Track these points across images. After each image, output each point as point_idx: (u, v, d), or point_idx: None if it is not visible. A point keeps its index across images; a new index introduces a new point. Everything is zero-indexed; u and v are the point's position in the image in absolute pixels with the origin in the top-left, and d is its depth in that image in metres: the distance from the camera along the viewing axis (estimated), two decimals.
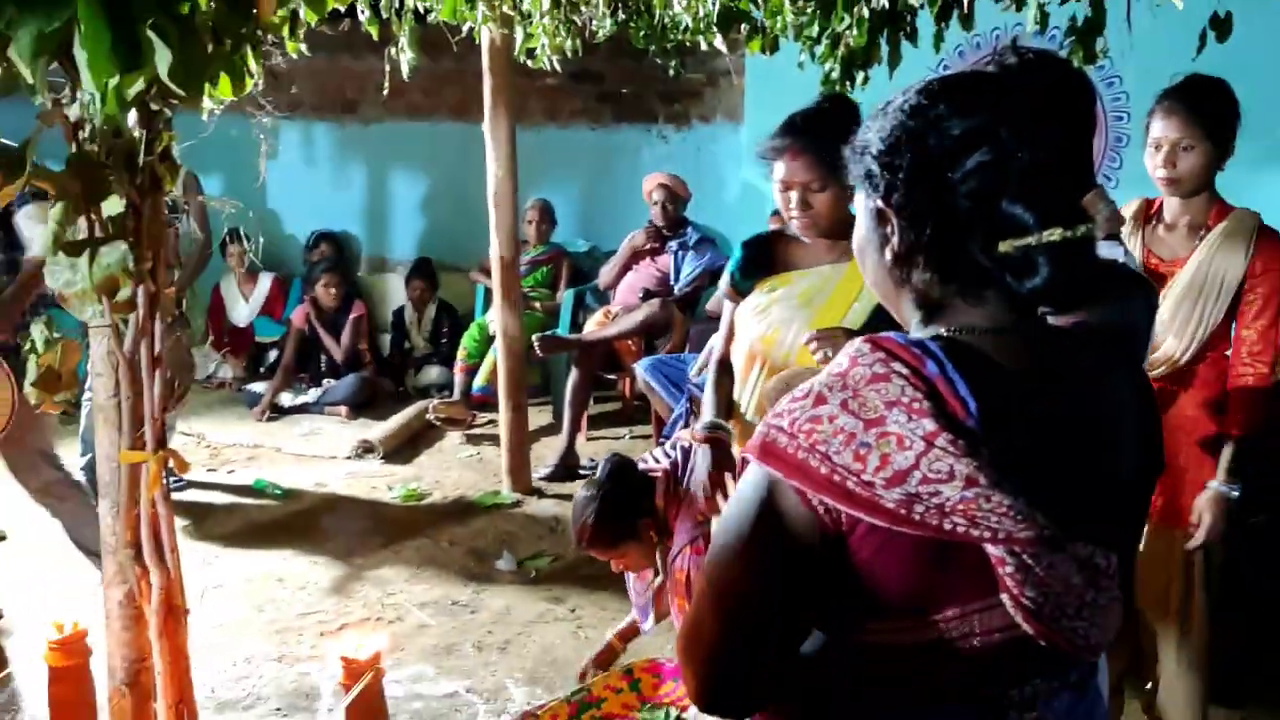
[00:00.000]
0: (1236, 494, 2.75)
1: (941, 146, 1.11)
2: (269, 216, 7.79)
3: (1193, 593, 2.85)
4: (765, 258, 2.57)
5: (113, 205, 1.79)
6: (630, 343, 6.20)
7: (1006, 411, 1.07)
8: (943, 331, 1.15)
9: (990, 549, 1.05)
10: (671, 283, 6.42)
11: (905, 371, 1.05)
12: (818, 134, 2.34)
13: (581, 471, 5.58)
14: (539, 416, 6.35)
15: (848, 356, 1.08)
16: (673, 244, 6.47)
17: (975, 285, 1.14)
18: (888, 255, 1.18)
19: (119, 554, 2.04)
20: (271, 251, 7.43)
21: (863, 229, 1.23)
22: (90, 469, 5.00)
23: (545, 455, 5.77)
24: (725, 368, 2.72)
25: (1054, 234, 1.09)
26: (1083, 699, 1.22)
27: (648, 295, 6.29)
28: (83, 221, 1.80)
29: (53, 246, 1.78)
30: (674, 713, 2.97)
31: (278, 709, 3.44)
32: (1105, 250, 2.43)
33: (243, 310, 7.54)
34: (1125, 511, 1.22)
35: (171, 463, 2.03)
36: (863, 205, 1.22)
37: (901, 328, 1.23)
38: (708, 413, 2.67)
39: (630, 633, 3.16)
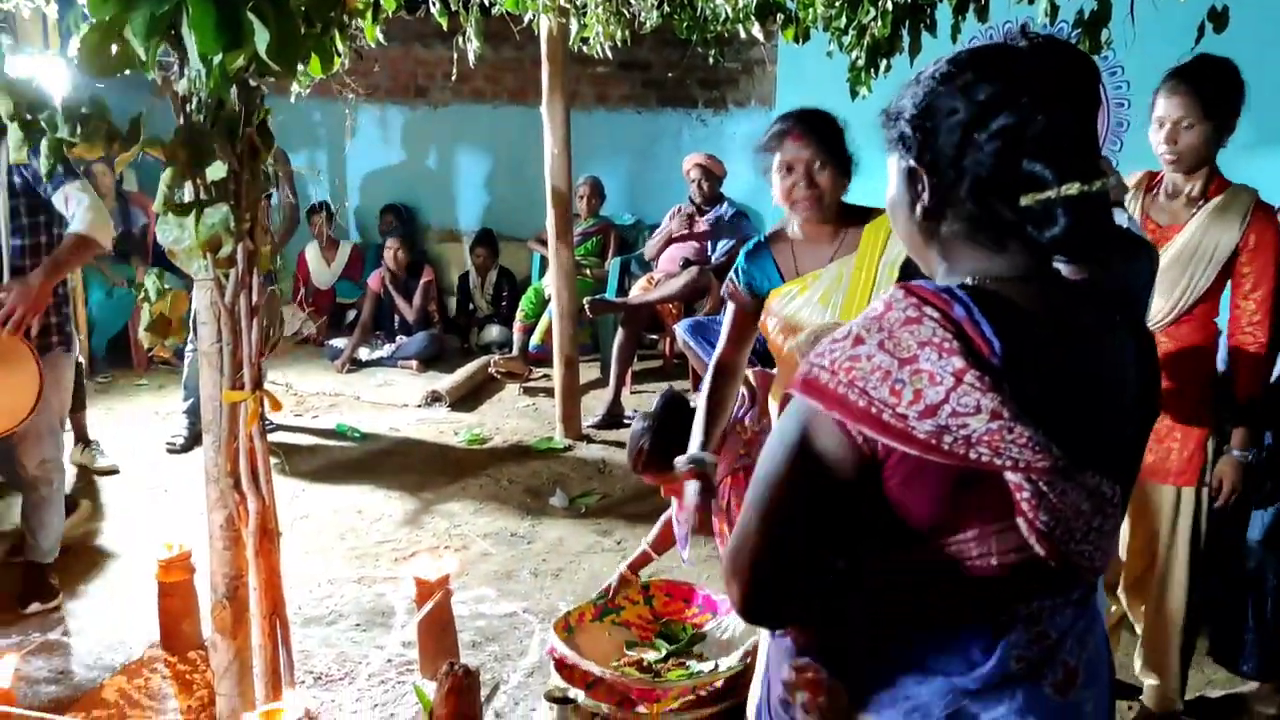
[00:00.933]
0: (1250, 458, 2.68)
1: (968, 110, 1.10)
2: (349, 190, 7.81)
3: (1175, 545, 2.77)
4: (770, 270, 2.48)
5: (216, 171, 1.80)
6: (671, 306, 6.19)
7: (1024, 354, 1.06)
8: (968, 280, 1.14)
9: (1009, 476, 1.05)
10: (709, 253, 6.39)
11: (935, 315, 1.04)
12: (815, 123, 2.34)
13: (626, 421, 5.57)
14: (588, 371, 6.36)
15: (883, 302, 1.08)
16: (709, 217, 6.43)
17: (998, 237, 1.13)
18: (918, 211, 1.17)
19: (220, 482, 2.07)
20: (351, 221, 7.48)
21: (894, 189, 1.21)
22: (192, 412, 5.08)
23: (594, 406, 5.77)
24: (723, 373, 2.53)
25: (1072, 188, 1.07)
26: (1083, 616, 1.20)
27: (687, 264, 6.26)
28: (189, 186, 1.82)
29: (163, 207, 1.79)
30: (689, 629, 3.00)
31: (357, 624, 3.48)
32: None
33: (325, 274, 7.57)
34: (1126, 450, 1.20)
35: (267, 404, 2.05)
36: (895, 167, 1.20)
37: None
38: (695, 442, 2.47)
39: (640, 563, 3.14)
